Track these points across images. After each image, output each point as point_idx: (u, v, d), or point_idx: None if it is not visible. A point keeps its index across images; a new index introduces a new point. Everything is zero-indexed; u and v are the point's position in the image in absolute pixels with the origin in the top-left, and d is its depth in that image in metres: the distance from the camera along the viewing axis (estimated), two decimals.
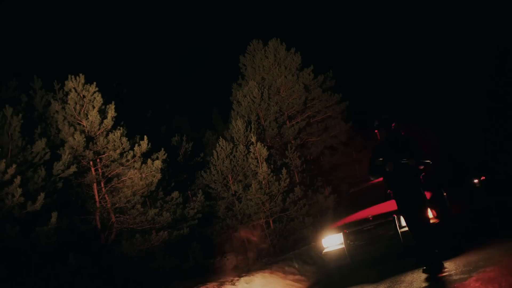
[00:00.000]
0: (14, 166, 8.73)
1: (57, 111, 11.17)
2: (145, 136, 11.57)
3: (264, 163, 13.61)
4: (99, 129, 11.05)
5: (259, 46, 18.04)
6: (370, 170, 6.72)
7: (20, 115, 9.72)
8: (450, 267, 6.35)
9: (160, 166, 11.49)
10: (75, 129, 10.81)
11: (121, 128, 11.29)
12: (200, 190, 13.79)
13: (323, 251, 8.13)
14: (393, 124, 6.60)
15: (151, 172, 11.37)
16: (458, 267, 6.15)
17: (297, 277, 9.38)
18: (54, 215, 9.00)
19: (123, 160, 11.24)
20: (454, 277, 5.60)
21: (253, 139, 13.97)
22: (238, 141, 14.77)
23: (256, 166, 13.80)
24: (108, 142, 11.05)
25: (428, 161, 6.29)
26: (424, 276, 6.31)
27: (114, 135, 11.08)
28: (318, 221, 14.20)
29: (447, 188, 8.45)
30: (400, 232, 7.17)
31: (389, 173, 6.41)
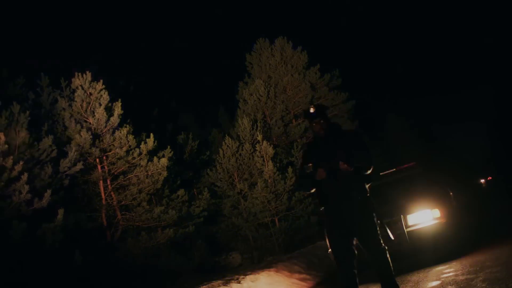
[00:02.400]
0: (21, 163, 8.76)
1: (64, 108, 11.21)
2: (151, 134, 11.59)
3: (270, 161, 13.60)
4: (105, 127, 11.08)
5: (266, 44, 18.04)
6: (297, 179, 5.24)
7: (28, 112, 9.74)
8: (457, 267, 6.32)
9: (166, 164, 11.50)
10: (82, 127, 10.84)
11: (128, 125, 11.33)
12: (205, 188, 13.80)
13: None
14: (327, 114, 4.87)
15: (157, 169, 11.39)
16: (465, 267, 6.12)
17: (302, 275, 9.36)
18: (61, 212, 9.03)
19: (129, 158, 11.27)
20: (461, 277, 5.57)
21: (259, 138, 13.96)
22: (244, 139, 14.77)
23: (262, 164, 13.80)
24: (114, 140, 11.08)
25: (371, 167, 4.58)
26: (430, 276, 6.28)
27: (120, 132, 11.11)
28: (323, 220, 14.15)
29: (453, 188, 8.40)
30: (406, 231, 7.14)
31: (321, 183, 4.63)
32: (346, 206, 4.56)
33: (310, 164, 4.59)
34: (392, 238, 4.88)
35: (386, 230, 4.73)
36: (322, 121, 4.67)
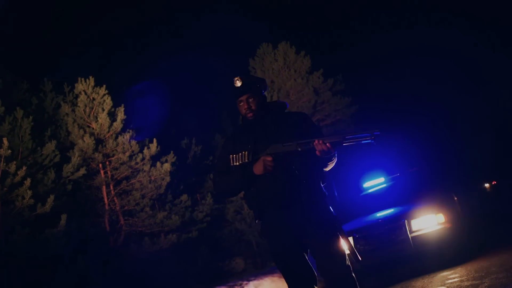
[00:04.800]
0: (24, 168, 8.77)
1: (67, 114, 11.23)
2: (154, 139, 11.60)
3: None
4: (108, 132, 11.10)
5: (269, 49, 18.02)
6: (217, 179, 3.34)
7: (31, 117, 9.77)
8: (462, 272, 6.27)
9: (169, 169, 11.51)
10: (85, 132, 10.87)
11: (131, 130, 11.33)
12: (209, 193, 13.78)
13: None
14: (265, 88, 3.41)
15: (160, 175, 11.40)
16: (470, 273, 6.07)
17: None
18: (64, 217, 9.03)
19: (132, 163, 11.28)
20: (466, 283, 5.52)
21: None
22: None
23: None
24: (117, 145, 11.10)
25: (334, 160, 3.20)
26: (435, 281, 6.23)
27: (123, 137, 11.11)
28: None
29: (458, 192, 8.34)
30: (411, 236, 7.10)
31: (259, 180, 3.14)
32: (295, 215, 3.13)
33: (245, 152, 3.13)
34: (360, 259, 3.20)
35: (352, 247, 3.21)
36: (251, 98, 3.24)
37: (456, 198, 8.06)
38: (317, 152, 3.00)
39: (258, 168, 3.10)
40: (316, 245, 3.14)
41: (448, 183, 8.61)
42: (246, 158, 3.13)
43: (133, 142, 11.21)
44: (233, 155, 3.19)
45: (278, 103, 3.43)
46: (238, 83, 3.24)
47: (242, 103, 3.27)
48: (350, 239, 7.50)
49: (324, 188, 3.28)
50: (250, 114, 3.25)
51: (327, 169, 3.24)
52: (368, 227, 7.63)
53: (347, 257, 3.16)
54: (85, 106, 10.99)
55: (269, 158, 3.06)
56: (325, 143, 2.95)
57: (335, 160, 3.21)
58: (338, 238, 3.17)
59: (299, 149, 3.02)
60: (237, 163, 3.15)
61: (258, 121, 3.28)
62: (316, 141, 2.97)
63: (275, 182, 3.12)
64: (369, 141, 2.95)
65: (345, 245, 3.19)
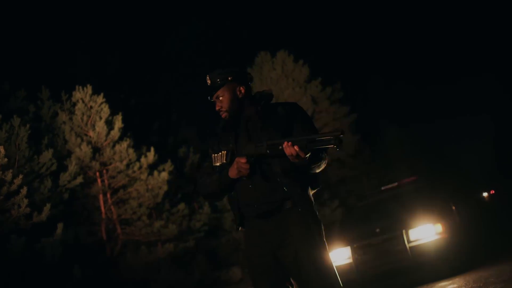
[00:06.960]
0: (20, 176, 8.72)
1: (64, 122, 11.20)
2: (151, 147, 11.58)
3: None
4: (105, 140, 11.08)
5: (267, 58, 18.04)
6: (198, 180, 2.97)
7: (28, 125, 9.73)
8: (460, 283, 6.24)
9: (166, 178, 11.48)
10: (82, 140, 10.84)
11: (128, 139, 11.31)
12: (206, 202, 13.73)
13: None
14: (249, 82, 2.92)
15: (157, 183, 11.36)
16: (468, 283, 6.04)
17: None
18: (60, 226, 8.98)
19: (130, 171, 11.25)
20: None
21: None
22: None
23: None
24: (114, 153, 11.07)
25: (323, 162, 2.71)
26: None
27: (120, 146, 11.10)
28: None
29: (456, 202, 8.32)
30: (408, 247, 7.07)
31: (236, 186, 2.77)
32: (276, 226, 2.72)
33: (224, 152, 2.77)
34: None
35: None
36: (220, 96, 2.81)
37: (454, 208, 8.04)
38: (289, 157, 2.52)
39: (232, 171, 2.70)
40: (298, 268, 2.69)
41: (446, 192, 8.59)
42: (224, 158, 2.76)
43: (131, 150, 11.19)
44: (214, 154, 2.82)
45: (263, 94, 2.91)
46: (208, 81, 2.84)
47: (217, 103, 2.85)
48: (348, 248, 7.48)
49: (314, 194, 2.85)
50: (224, 115, 2.85)
51: (318, 171, 2.74)
52: (365, 237, 7.59)
53: (337, 282, 2.68)
54: (83, 114, 10.98)
55: (243, 160, 2.63)
56: (293, 146, 2.47)
57: (322, 165, 2.72)
58: (326, 257, 2.72)
59: (268, 152, 2.59)
60: (218, 164, 2.79)
61: (239, 117, 2.84)
62: (286, 143, 2.49)
63: (253, 188, 2.72)
64: (332, 145, 2.46)
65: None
